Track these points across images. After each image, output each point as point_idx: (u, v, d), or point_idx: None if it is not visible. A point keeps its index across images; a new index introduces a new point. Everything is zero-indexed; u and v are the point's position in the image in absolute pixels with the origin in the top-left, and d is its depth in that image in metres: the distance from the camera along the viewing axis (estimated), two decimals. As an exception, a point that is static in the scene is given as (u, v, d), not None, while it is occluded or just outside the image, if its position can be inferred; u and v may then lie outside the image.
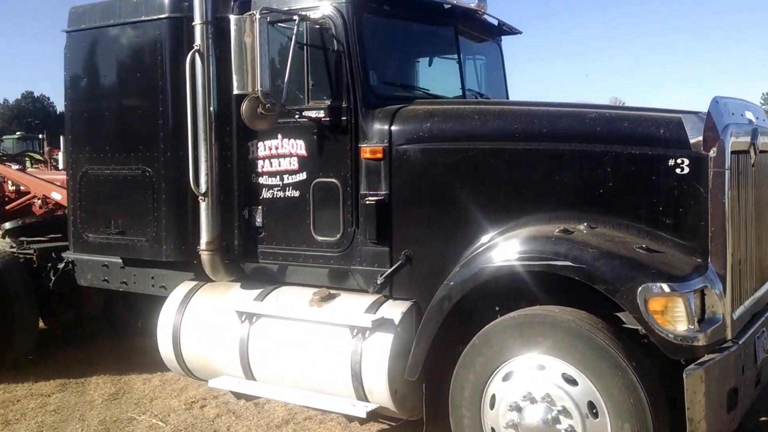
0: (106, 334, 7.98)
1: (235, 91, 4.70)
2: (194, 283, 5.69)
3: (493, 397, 4.13)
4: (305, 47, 4.91)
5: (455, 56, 5.69)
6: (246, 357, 5.13)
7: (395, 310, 4.68)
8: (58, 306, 7.40)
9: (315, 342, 4.84)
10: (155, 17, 5.47)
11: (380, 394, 4.58)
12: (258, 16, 4.59)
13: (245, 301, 5.23)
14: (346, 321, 4.70)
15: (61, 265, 6.93)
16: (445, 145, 4.59)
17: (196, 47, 5.10)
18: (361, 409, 4.59)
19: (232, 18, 4.68)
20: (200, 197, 5.20)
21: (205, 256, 5.27)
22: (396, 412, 4.66)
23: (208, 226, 5.23)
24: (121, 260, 6.09)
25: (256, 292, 5.30)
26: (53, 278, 7.05)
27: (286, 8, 4.91)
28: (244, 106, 4.74)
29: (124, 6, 5.63)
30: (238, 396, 5.34)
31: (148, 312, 8.17)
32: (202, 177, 5.16)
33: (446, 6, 5.33)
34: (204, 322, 5.40)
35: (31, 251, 7.18)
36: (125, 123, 5.75)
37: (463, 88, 5.69)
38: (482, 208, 4.45)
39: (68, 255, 6.88)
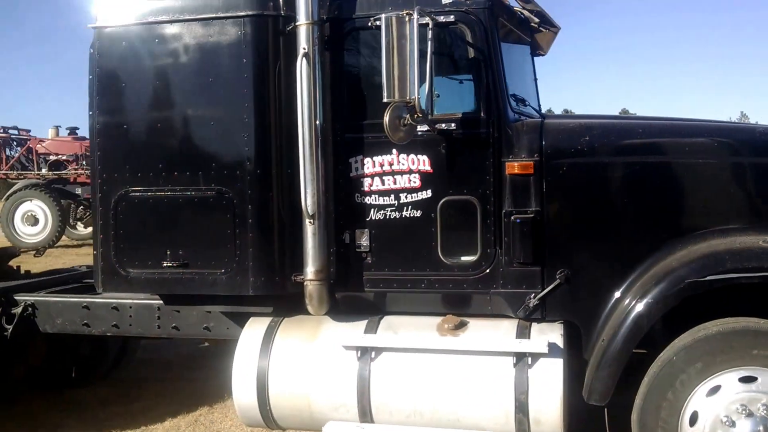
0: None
1: (385, 99, 4.24)
2: (267, 319, 5.01)
3: (695, 413, 4.11)
4: (429, 53, 4.59)
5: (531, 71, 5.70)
6: (367, 396, 4.59)
7: (553, 333, 4.49)
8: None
9: (463, 374, 4.47)
10: (237, 14, 4.70)
11: (550, 424, 4.34)
12: (416, 15, 4.21)
13: (355, 334, 4.70)
14: (506, 348, 4.41)
15: (17, 310, 5.80)
16: (607, 160, 4.53)
17: (303, 50, 4.53)
18: (530, 445, 4.32)
19: (384, 16, 4.22)
20: (308, 220, 4.59)
21: (312, 286, 4.65)
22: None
23: (316, 252, 4.63)
24: (161, 299, 5.20)
25: (360, 324, 4.80)
26: (9, 328, 5.87)
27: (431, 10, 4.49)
28: (387, 116, 4.30)
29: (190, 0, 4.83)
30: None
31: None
32: (310, 198, 4.57)
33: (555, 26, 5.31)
34: (302, 362, 4.75)
35: None
36: (191, 137, 4.90)
37: (539, 103, 5.68)
38: (652, 223, 4.45)
39: (28, 298, 5.96)
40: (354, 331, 4.75)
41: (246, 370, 4.83)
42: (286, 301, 4.99)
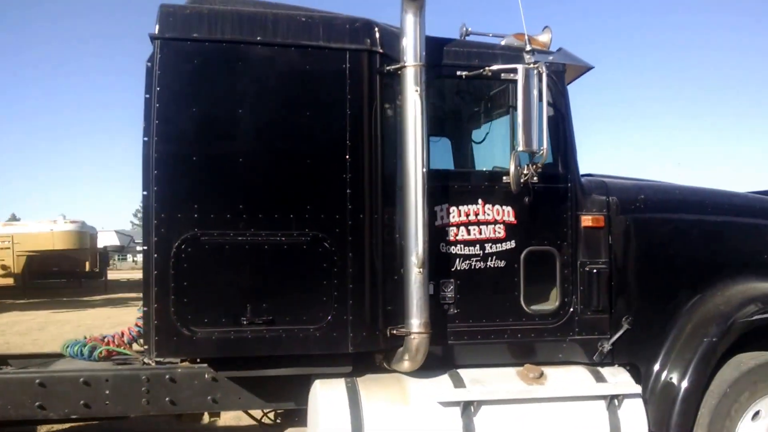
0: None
1: (521, 149, 4.35)
2: (340, 381, 4.61)
3: None
4: (511, 109, 4.84)
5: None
6: (473, 452, 4.48)
7: (624, 375, 4.91)
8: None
9: (561, 420, 4.65)
10: (342, 46, 4.41)
11: (638, 460, 4.73)
12: (545, 70, 4.45)
13: (452, 390, 4.57)
14: (600, 392, 4.71)
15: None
16: (660, 216, 5.17)
17: (416, 91, 4.43)
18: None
19: (521, 68, 4.36)
20: (418, 270, 4.40)
21: (419, 339, 4.42)
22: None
23: (422, 303, 4.44)
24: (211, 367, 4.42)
25: (441, 378, 4.71)
26: None
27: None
28: (513, 166, 4.44)
29: (284, 23, 4.34)
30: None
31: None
32: (421, 245, 4.40)
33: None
34: (401, 426, 4.45)
35: None
36: (281, 174, 4.36)
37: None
38: (697, 272, 5.18)
39: None
40: (444, 386, 4.62)
41: (337, 439, 4.37)
42: (350, 359, 4.68)
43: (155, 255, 4.21)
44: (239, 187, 4.35)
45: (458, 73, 4.79)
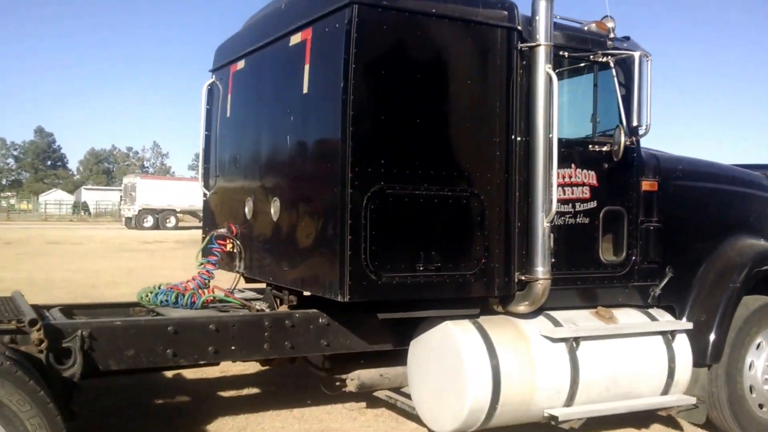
0: None
1: (635, 124, 5.21)
2: (467, 322, 5.26)
3: (751, 363, 6.18)
4: (595, 87, 5.68)
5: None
6: (576, 381, 5.38)
7: (668, 315, 6.03)
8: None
9: (633, 352, 5.66)
10: (496, 23, 4.99)
11: (683, 384, 5.87)
12: (649, 57, 5.30)
13: (558, 329, 5.38)
14: (664, 328, 5.80)
15: (71, 344, 4.57)
16: (692, 184, 6.30)
17: (548, 68, 5.10)
18: (683, 400, 5.79)
19: (636, 55, 5.20)
20: (547, 223, 5.12)
21: (542, 285, 5.17)
22: (684, 397, 5.94)
23: (548, 253, 5.19)
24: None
25: (541, 320, 5.52)
26: (69, 370, 4.51)
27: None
28: (621, 138, 5.32)
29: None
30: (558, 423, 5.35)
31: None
32: (548, 202, 5.13)
33: None
34: (525, 358, 5.21)
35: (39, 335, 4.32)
36: (449, 136, 4.90)
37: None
38: (716, 230, 6.40)
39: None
40: (547, 326, 5.42)
41: (481, 372, 5.02)
42: (479, 303, 5.35)
43: (350, 206, 4.56)
44: (416, 147, 4.84)
45: (572, 54, 5.53)
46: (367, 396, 7.00)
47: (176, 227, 49.11)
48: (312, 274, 4.96)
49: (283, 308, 5.70)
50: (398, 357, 5.91)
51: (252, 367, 8.42)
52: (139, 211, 48.82)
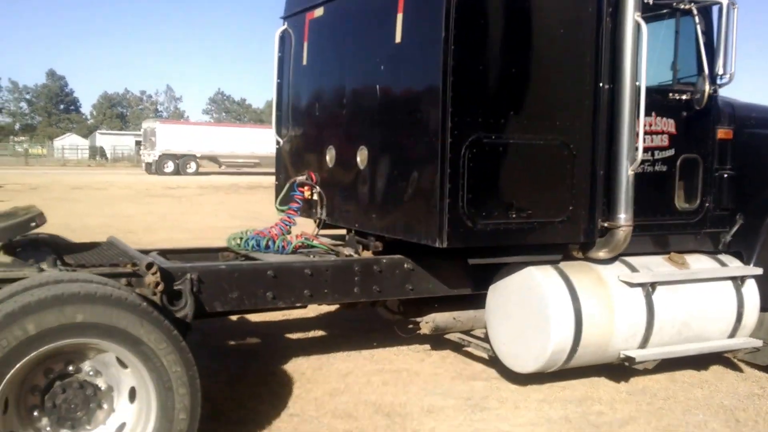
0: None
1: (719, 71, 5.30)
2: (549, 267, 5.46)
3: None
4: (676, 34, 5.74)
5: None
6: (651, 324, 5.61)
7: (737, 261, 6.20)
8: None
9: (705, 296, 5.87)
10: None
11: (749, 327, 6.08)
12: (736, 5, 5.36)
13: (634, 274, 5.59)
14: (734, 273, 5.97)
15: (182, 286, 4.78)
16: (763, 132, 6.37)
17: (637, 16, 5.17)
18: (749, 343, 6.01)
19: (725, 3, 5.27)
20: (631, 171, 5.26)
21: (623, 231, 5.34)
22: (751, 340, 6.15)
23: (630, 200, 5.35)
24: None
25: (618, 265, 5.71)
26: (181, 310, 4.74)
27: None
28: (706, 86, 5.40)
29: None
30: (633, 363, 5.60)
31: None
32: (633, 150, 5.26)
33: None
34: (604, 302, 5.41)
35: (156, 278, 4.54)
36: (540, 85, 5.01)
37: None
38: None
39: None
40: (624, 271, 5.63)
41: (565, 314, 5.25)
42: (561, 249, 5.55)
43: (450, 155, 4.72)
44: (511, 96, 4.99)
45: (658, 1, 5.56)
46: (429, 339, 7.27)
47: (196, 173, 49.36)
48: (406, 222, 5.14)
49: (367, 254, 5.91)
50: (470, 301, 6.15)
51: (311, 311, 8.71)
52: (160, 156, 49.00)
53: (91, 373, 4.06)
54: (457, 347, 7.35)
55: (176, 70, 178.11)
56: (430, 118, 4.83)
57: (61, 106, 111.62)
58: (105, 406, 4.08)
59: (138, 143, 77.41)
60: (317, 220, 6.27)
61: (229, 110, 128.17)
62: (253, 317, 8.01)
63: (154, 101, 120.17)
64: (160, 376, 3.96)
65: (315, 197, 6.32)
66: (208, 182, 39.70)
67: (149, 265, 4.60)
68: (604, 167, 5.36)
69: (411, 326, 6.59)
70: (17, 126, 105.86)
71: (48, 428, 3.97)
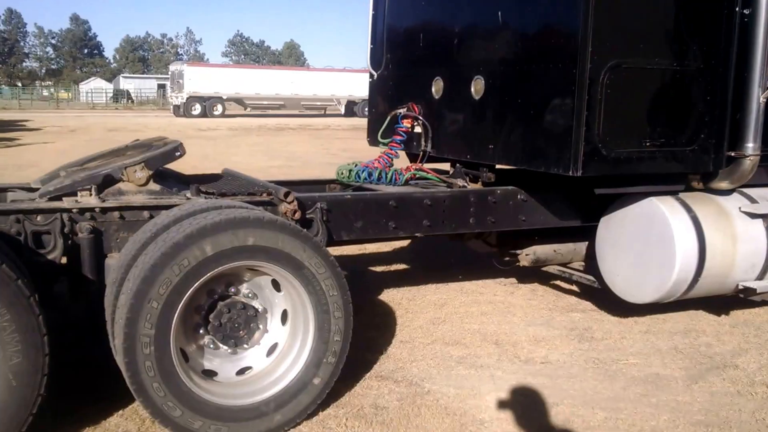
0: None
1: None
2: (670, 198, 5.45)
3: None
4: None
5: None
6: (768, 257, 5.63)
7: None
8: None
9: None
10: None
11: None
12: None
13: (749, 204, 5.57)
14: None
15: (314, 215, 4.87)
16: None
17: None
18: None
19: None
20: (762, 99, 5.19)
21: (750, 161, 5.30)
22: None
23: (760, 129, 5.26)
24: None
25: (736, 196, 5.67)
26: (322, 237, 4.85)
27: None
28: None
29: None
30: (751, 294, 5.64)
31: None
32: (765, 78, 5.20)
33: None
34: (727, 233, 5.43)
35: (293, 206, 4.66)
36: (679, 7, 4.94)
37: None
38: None
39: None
40: (744, 202, 5.60)
41: (688, 244, 5.27)
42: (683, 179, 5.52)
43: (588, 81, 4.68)
44: (650, 20, 4.91)
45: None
46: (514, 272, 7.38)
47: (222, 115, 49.38)
48: (533, 151, 5.13)
49: (476, 185, 5.97)
50: (569, 234, 6.22)
51: (386, 246, 8.83)
52: (187, 98, 49.01)
53: (249, 295, 4.19)
54: (544, 280, 7.47)
55: (196, 12, 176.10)
56: (568, 44, 4.77)
57: (85, 51, 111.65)
58: (261, 326, 4.22)
59: (160, 86, 77.76)
60: (420, 153, 6.30)
61: (248, 52, 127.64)
62: (333, 251, 8.13)
63: (175, 44, 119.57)
64: (318, 300, 4.08)
65: (418, 129, 6.35)
66: (237, 124, 39.79)
67: (286, 194, 4.70)
68: (736, 95, 5.26)
69: (508, 258, 6.67)
70: (43, 70, 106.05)
71: (211, 345, 4.13)
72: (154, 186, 4.55)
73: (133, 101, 72.30)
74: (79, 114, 51.04)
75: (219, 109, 50.23)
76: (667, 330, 6.07)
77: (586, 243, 6.29)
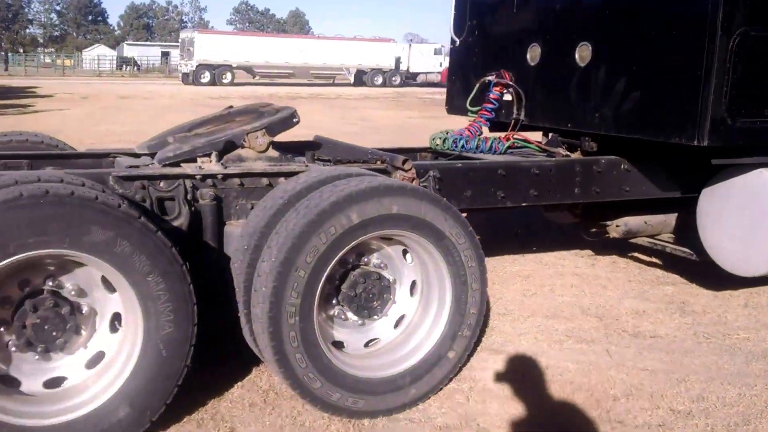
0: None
1: None
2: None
3: None
4: None
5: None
6: None
7: None
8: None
9: None
10: None
11: None
12: None
13: None
14: None
15: (434, 185, 4.78)
16: None
17: None
18: None
19: None
20: None
21: None
22: None
23: None
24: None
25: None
26: None
27: None
28: None
29: None
30: None
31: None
32: None
33: None
34: None
35: (412, 174, 4.55)
36: None
37: None
38: None
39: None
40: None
41: None
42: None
43: (718, 49, 4.53)
44: None
45: None
46: (590, 244, 7.26)
47: (231, 83, 48.96)
48: (652, 120, 4.97)
49: (576, 155, 5.84)
50: (658, 205, 6.09)
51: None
52: (197, 66, 48.58)
53: (381, 265, 4.07)
54: (622, 252, 7.37)
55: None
56: (697, 10, 4.61)
57: (89, 17, 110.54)
58: (390, 297, 4.12)
59: (164, 54, 77.04)
60: (512, 121, 6.15)
61: (252, 20, 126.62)
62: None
63: (180, 12, 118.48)
64: (457, 271, 3.96)
65: (508, 97, 6.19)
66: (248, 93, 39.41)
67: (405, 161, 4.57)
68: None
69: (595, 230, 6.56)
70: (46, 37, 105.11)
71: (341, 317, 4.03)
72: (272, 152, 4.41)
73: (139, 68, 71.68)
74: (85, 81, 50.57)
75: (228, 77, 49.82)
76: (764, 304, 5.98)
77: (676, 215, 6.18)
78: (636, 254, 7.27)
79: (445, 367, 4.09)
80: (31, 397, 3.40)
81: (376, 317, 4.10)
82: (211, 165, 4.18)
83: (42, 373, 3.45)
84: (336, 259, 3.68)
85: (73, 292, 3.42)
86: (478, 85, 6.30)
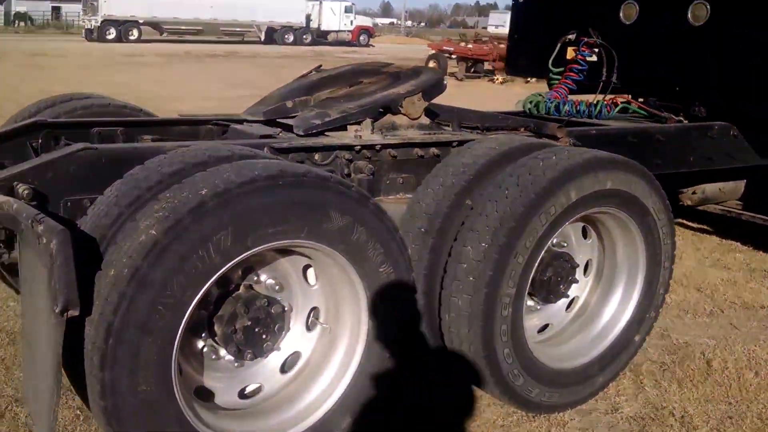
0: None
1: None
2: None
3: None
4: None
5: None
6: None
7: None
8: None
9: None
10: None
11: None
12: None
13: None
14: None
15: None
16: None
17: None
18: None
19: None
20: None
21: None
22: None
23: None
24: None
25: None
26: None
27: None
28: None
29: None
30: None
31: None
32: None
33: None
34: None
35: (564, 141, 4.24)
36: None
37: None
38: None
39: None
40: None
41: None
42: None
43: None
44: None
45: None
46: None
47: (138, 40, 46.45)
48: None
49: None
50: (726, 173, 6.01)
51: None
52: (102, 22, 45.80)
53: (563, 244, 3.75)
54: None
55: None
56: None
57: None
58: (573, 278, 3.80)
59: (55, 9, 72.29)
60: (601, 84, 5.87)
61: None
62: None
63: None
64: (654, 251, 3.69)
65: (592, 58, 5.91)
66: (160, 50, 37.60)
67: (559, 128, 4.24)
68: None
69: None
70: None
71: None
72: (425, 119, 3.98)
73: (33, 23, 67.02)
74: (-23, 37, 46.86)
75: (135, 34, 47.16)
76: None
77: (744, 181, 6.13)
78: (688, 222, 7.21)
79: (630, 351, 3.85)
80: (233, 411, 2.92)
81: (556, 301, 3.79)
82: (370, 134, 3.72)
83: (239, 382, 2.98)
84: (550, 241, 3.34)
85: (276, 287, 2.95)
86: (558, 45, 5.98)
